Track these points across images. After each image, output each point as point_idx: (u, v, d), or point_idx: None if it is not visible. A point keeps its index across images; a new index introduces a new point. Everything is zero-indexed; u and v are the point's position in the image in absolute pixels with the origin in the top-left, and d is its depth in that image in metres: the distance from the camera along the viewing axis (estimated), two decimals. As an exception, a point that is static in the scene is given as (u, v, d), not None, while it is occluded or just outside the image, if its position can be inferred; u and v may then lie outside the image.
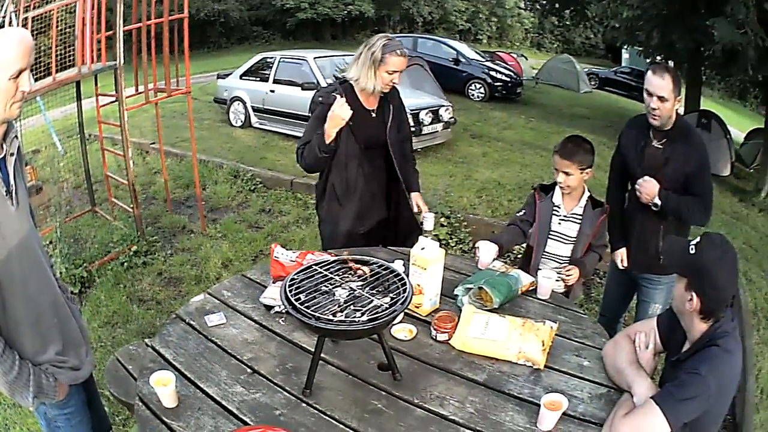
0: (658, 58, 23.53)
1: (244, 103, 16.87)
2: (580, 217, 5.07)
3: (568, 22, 36.84)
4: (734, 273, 3.14)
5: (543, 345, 3.55)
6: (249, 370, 3.29)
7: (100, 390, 4.06)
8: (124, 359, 3.68)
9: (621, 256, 5.45)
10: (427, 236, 4.24)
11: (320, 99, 5.20)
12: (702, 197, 4.87)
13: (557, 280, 4.76)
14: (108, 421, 4.23)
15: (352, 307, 2.97)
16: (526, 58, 43.39)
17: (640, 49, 24.24)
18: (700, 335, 3.13)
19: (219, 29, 48.38)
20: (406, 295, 3.02)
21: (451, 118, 15.68)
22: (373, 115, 5.39)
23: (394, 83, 5.25)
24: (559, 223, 5.12)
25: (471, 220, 10.23)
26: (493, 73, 25.44)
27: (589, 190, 5.12)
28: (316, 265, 3.26)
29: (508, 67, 29.01)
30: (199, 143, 10.66)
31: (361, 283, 3.18)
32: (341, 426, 2.91)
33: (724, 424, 6.21)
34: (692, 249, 3.09)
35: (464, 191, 12.04)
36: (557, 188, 5.11)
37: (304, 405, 3.04)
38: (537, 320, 3.77)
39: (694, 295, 3.06)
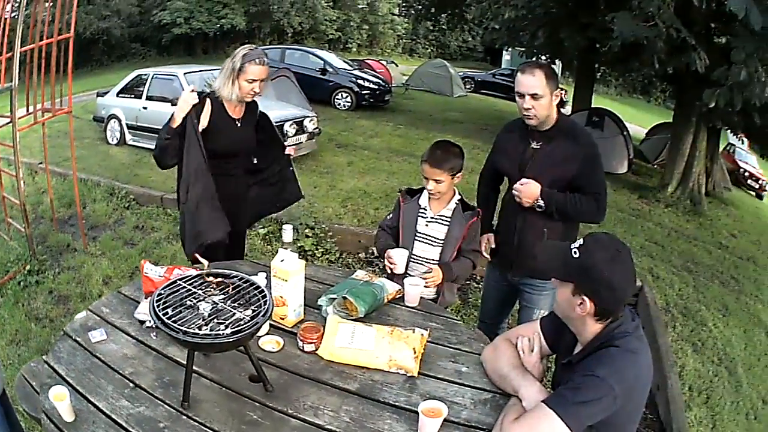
0: (543, 58, 23.52)
1: (120, 121, 16.81)
2: (449, 220, 5.04)
3: (444, 26, 36.84)
4: (630, 271, 3.04)
5: (414, 352, 3.56)
6: (131, 384, 3.28)
7: (15, 406, 4.24)
8: (28, 376, 3.65)
9: (487, 238, 5.36)
10: (286, 248, 4.19)
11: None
12: (593, 195, 4.75)
13: (426, 286, 4.78)
14: None
15: (215, 320, 3.01)
16: (397, 65, 43.10)
17: (523, 49, 24.30)
18: (594, 336, 3.06)
19: (102, 47, 47.60)
20: (266, 307, 3.08)
21: (315, 128, 15.90)
22: (239, 124, 5.45)
23: (255, 92, 5.29)
24: (426, 225, 5.08)
25: (336, 230, 10.34)
26: (360, 81, 25.53)
27: (460, 194, 5.12)
28: (180, 280, 3.28)
29: (376, 74, 29.20)
30: (79, 162, 10.63)
31: (223, 296, 3.22)
32: None
33: (647, 423, 6.38)
34: (575, 253, 3.00)
35: (329, 201, 12.24)
36: (425, 192, 5.10)
37: (184, 417, 3.06)
38: (406, 328, 3.81)
39: (585, 299, 2.98)
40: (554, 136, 4.73)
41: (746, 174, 29.58)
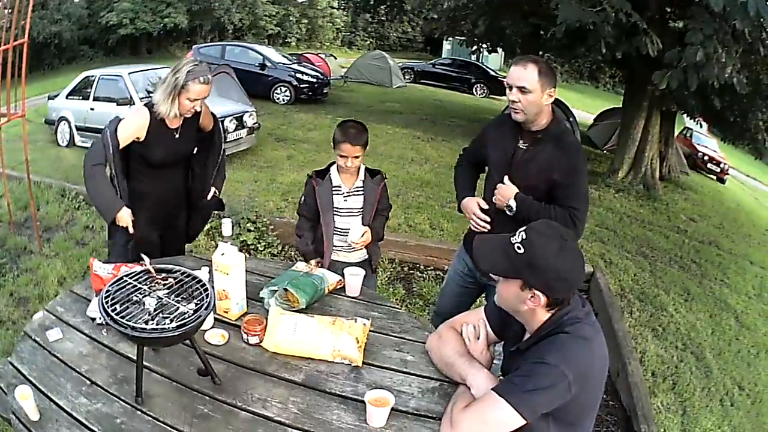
0: (484, 46, 24.07)
1: (69, 123, 16.81)
2: (363, 189, 5.22)
3: (383, 18, 36.69)
4: (579, 256, 2.96)
5: (357, 342, 3.59)
6: (88, 382, 3.29)
7: None
8: None
9: (477, 202, 4.84)
10: (226, 242, 4.19)
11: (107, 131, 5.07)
12: (571, 210, 4.42)
13: (359, 249, 5.02)
14: None
15: (161, 314, 3.01)
16: (335, 58, 43.35)
17: (464, 38, 24.19)
18: (542, 324, 3.00)
19: (53, 51, 46.98)
20: (209, 300, 3.10)
21: (255, 123, 15.95)
22: (176, 135, 5.34)
23: (194, 110, 5.15)
24: (345, 200, 5.22)
25: (278, 224, 10.37)
26: (299, 75, 25.65)
27: (363, 163, 5.23)
28: (126, 276, 3.27)
29: (314, 68, 29.32)
30: (33, 165, 10.61)
31: (167, 291, 3.21)
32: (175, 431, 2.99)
33: (609, 410, 6.34)
34: (519, 248, 2.90)
35: (270, 195, 12.29)
36: (333, 170, 5.28)
37: (139, 413, 3.08)
38: (348, 318, 3.84)
39: (537, 292, 2.90)
40: (543, 140, 4.49)
41: (706, 158, 29.61)
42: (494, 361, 3.47)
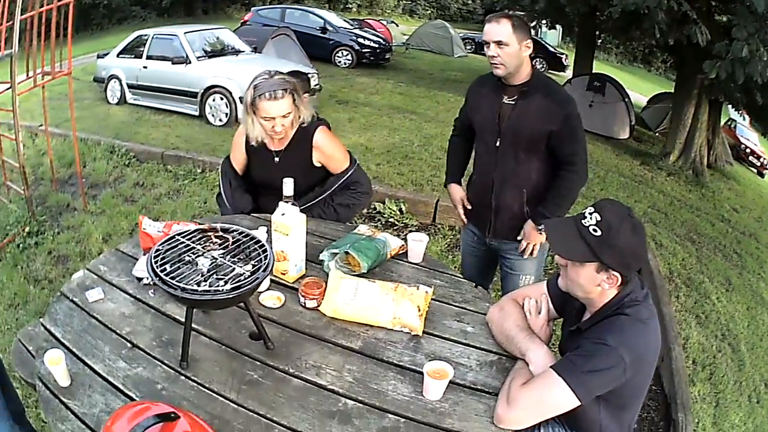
0: (544, 22, 23.92)
1: (120, 81, 16.83)
2: None
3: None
4: (643, 231, 2.93)
5: (419, 310, 3.46)
6: (129, 345, 3.19)
7: (12, 373, 4.12)
8: (24, 340, 3.57)
9: (461, 199, 5.18)
10: (287, 201, 4.06)
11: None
12: (571, 157, 4.57)
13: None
14: (21, 403, 4.21)
15: (215, 276, 2.91)
16: (397, 25, 43.56)
17: (523, 13, 24.17)
18: (604, 304, 2.99)
19: (102, 11, 47.25)
20: (267, 261, 2.96)
21: (316, 85, 15.99)
22: (276, 159, 4.82)
23: (277, 132, 4.54)
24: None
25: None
26: (360, 40, 25.74)
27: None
28: (178, 235, 3.15)
29: (376, 33, 29.35)
30: (79, 122, 10.55)
31: (222, 251, 3.10)
32: (221, 398, 2.87)
33: (651, 396, 6.22)
34: (595, 230, 2.85)
35: (330, 157, 12.05)
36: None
37: (183, 378, 2.98)
38: (410, 285, 3.68)
39: (614, 273, 2.88)
40: (529, 92, 4.53)
41: (747, 150, 29.61)
42: None
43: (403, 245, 4.39)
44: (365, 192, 4.99)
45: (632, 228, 2.83)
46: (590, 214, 2.90)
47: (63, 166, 11.41)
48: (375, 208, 9.73)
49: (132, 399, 2.82)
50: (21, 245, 8.07)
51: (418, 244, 4.29)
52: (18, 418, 4.02)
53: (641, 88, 36.07)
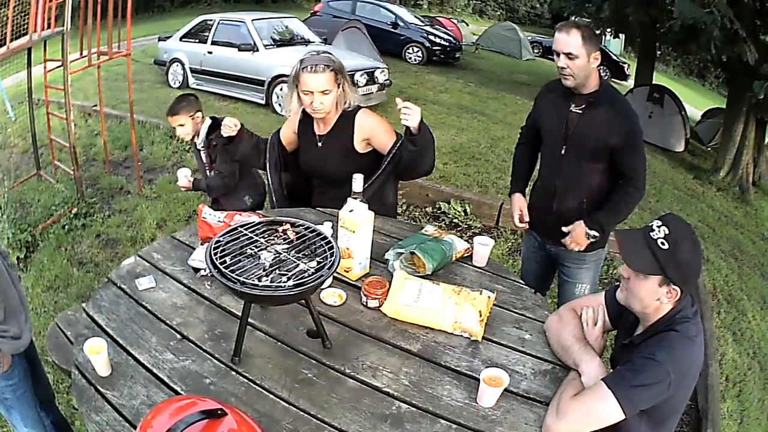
0: (608, 30, 23.88)
1: (183, 65, 16.91)
2: (203, 148, 5.94)
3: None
4: (701, 251, 2.98)
5: (480, 315, 3.40)
6: (178, 336, 3.17)
7: (44, 358, 4.02)
8: (63, 325, 3.56)
9: (520, 209, 5.14)
10: (356, 198, 4.00)
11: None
12: (632, 172, 4.59)
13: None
14: (51, 389, 4.19)
15: (277, 271, 2.85)
16: (467, 24, 43.54)
17: (589, 20, 24.30)
18: (658, 319, 2.99)
19: (165, -6, 47.75)
20: (333, 259, 2.89)
21: (386, 80, 15.86)
22: (319, 144, 4.76)
23: (316, 109, 4.47)
24: (202, 154, 5.96)
25: (403, 183, 9.93)
26: (431, 37, 25.61)
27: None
28: (242, 226, 3.12)
29: (447, 32, 29.16)
30: (137, 104, 10.54)
31: (287, 246, 3.05)
32: (271, 396, 2.83)
33: (685, 410, 6.10)
34: (663, 243, 2.85)
35: (399, 153, 11.96)
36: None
37: (233, 373, 2.95)
38: (473, 289, 3.59)
39: (674, 287, 2.88)
40: (596, 102, 4.54)
41: None
42: None
43: (468, 248, 4.34)
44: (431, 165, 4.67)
45: (693, 244, 2.88)
46: (658, 227, 2.92)
47: (118, 148, 11.41)
48: (440, 208, 9.71)
49: (176, 393, 2.80)
50: (67, 226, 8.04)
51: (483, 248, 4.26)
52: (47, 405, 4.01)
53: (696, 102, 36.05)
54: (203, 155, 5.94)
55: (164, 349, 3.06)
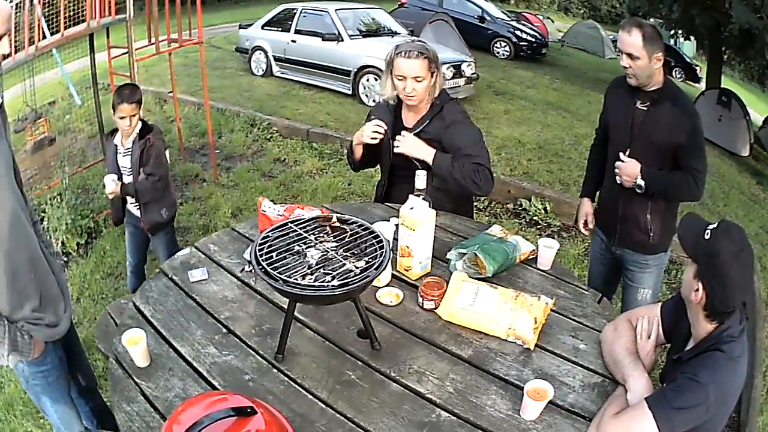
0: (679, 32, 24.04)
1: (266, 53, 17.06)
2: (131, 149, 5.65)
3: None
4: (747, 275, 2.86)
5: (536, 322, 3.33)
6: (224, 330, 3.18)
7: (95, 344, 4.01)
8: (114, 313, 3.59)
9: (585, 215, 5.35)
10: (418, 195, 3.99)
11: (371, 111, 4.93)
12: (694, 171, 4.50)
13: None
14: (94, 379, 4.20)
15: (322, 270, 2.81)
16: (552, 21, 43.65)
17: (661, 21, 24.22)
18: (705, 336, 2.90)
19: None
20: (381, 259, 2.84)
21: (473, 73, 15.78)
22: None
23: (409, 95, 4.45)
24: (123, 157, 5.68)
25: (486, 179, 10.00)
26: (518, 32, 25.49)
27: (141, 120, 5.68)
28: (292, 222, 3.10)
29: (533, 27, 28.96)
30: (218, 92, 10.71)
31: (335, 244, 3.00)
32: (310, 396, 2.81)
33: (728, 423, 6.10)
34: (707, 234, 2.81)
35: (482, 148, 11.90)
36: (119, 131, 5.70)
37: (275, 371, 2.94)
38: (532, 294, 3.56)
39: (700, 286, 2.80)
40: (660, 100, 4.51)
41: None
42: None
43: (533, 250, 4.26)
44: (488, 180, 4.54)
45: (735, 254, 2.77)
46: (719, 222, 2.89)
47: (195, 135, 11.51)
48: (521, 205, 9.65)
49: (214, 388, 2.82)
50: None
51: (548, 251, 4.18)
52: (88, 393, 4.07)
53: (758, 107, 35.61)
54: (129, 157, 5.71)
55: (208, 343, 3.08)
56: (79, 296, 6.52)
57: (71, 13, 7.82)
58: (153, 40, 8.66)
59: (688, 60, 39.39)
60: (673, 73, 38.71)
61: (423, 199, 3.91)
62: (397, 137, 4.49)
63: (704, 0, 18.04)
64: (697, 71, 37.98)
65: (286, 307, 3.16)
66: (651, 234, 4.77)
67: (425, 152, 4.35)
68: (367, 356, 3.09)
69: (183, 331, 3.14)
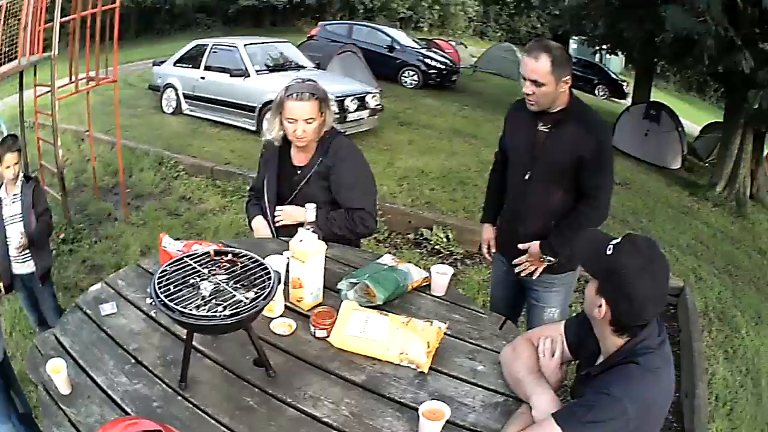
0: (605, 47, 23.97)
1: (176, 90, 17.07)
2: (19, 194, 5.85)
3: (512, 11, 36.94)
4: (659, 288, 2.79)
5: (428, 347, 3.37)
6: (133, 360, 3.25)
7: (27, 376, 4.30)
8: (40, 345, 3.67)
9: (488, 241, 5.32)
10: (308, 228, 4.08)
11: (263, 145, 4.98)
12: (594, 191, 4.50)
13: None
14: (29, 405, 4.50)
15: (214, 301, 2.91)
16: (466, 47, 43.81)
17: (585, 38, 24.39)
18: (616, 350, 2.85)
19: (164, 16, 47.73)
20: (269, 290, 2.97)
21: (378, 105, 16.04)
22: (298, 173, 4.83)
23: (298, 137, 4.58)
24: (9, 207, 5.81)
25: (387, 209, 10.22)
26: (427, 60, 25.76)
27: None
28: (187, 257, 3.20)
29: (444, 54, 29.30)
30: (130, 130, 10.85)
31: (226, 276, 3.11)
32: (213, 422, 2.89)
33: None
34: (609, 249, 2.77)
35: (385, 179, 12.13)
36: (3, 184, 5.82)
37: (179, 398, 3.02)
38: (425, 319, 3.58)
39: (603, 302, 2.77)
40: (564, 120, 4.48)
41: None
42: None
43: (427, 277, 4.27)
44: (366, 223, 4.81)
45: (640, 268, 2.70)
46: (621, 238, 2.84)
47: (108, 174, 11.62)
48: (422, 234, 9.81)
49: (127, 414, 2.90)
50: (54, 251, 8.14)
51: (441, 277, 4.20)
52: (25, 419, 4.31)
53: (696, 118, 35.83)
54: (20, 203, 5.88)
55: (119, 372, 3.17)
56: (11, 330, 6.73)
57: (6, 49, 8.03)
58: (73, 78, 8.78)
59: (613, 76, 39.87)
60: (596, 92, 39.22)
61: (313, 231, 3.99)
62: (276, 212, 4.80)
63: (634, 12, 18.20)
64: (624, 87, 38.52)
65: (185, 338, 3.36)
66: (541, 257, 4.76)
67: (304, 215, 4.42)
68: (263, 383, 3.18)
69: (98, 362, 3.23)
